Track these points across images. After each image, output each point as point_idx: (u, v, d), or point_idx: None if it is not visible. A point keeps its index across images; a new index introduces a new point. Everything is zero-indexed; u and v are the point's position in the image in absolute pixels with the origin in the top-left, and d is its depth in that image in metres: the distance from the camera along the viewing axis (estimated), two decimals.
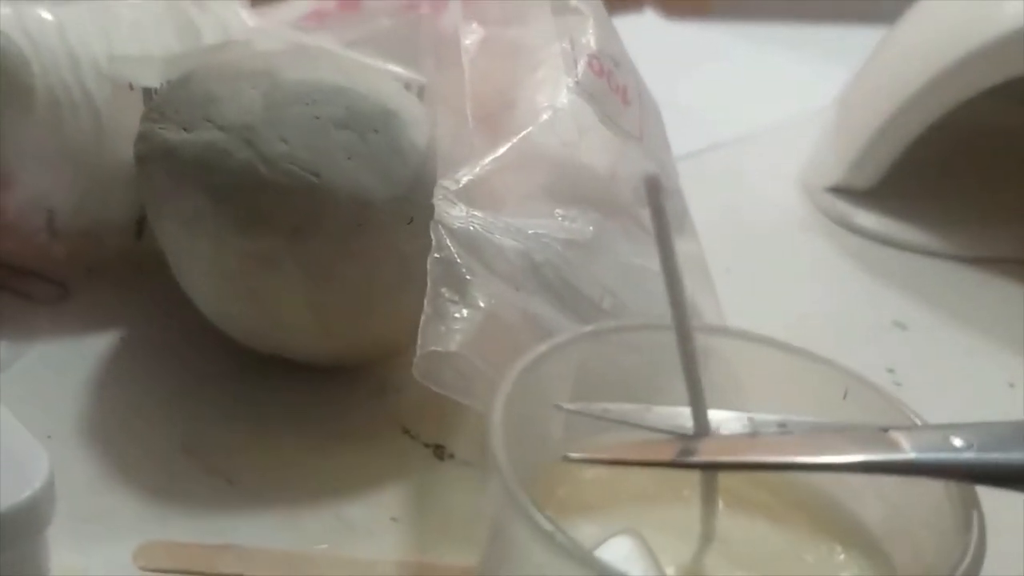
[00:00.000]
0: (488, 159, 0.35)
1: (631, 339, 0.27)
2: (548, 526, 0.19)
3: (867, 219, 0.57)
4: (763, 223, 0.57)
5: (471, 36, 0.40)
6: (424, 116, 0.38)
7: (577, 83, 0.38)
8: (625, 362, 0.26)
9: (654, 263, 0.37)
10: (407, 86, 0.42)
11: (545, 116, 0.37)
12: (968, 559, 0.21)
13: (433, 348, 0.29)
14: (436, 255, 0.30)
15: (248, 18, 0.46)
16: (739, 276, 0.51)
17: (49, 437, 0.35)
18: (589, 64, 0.39)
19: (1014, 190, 0.60)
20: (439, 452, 0.37)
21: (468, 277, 0.30)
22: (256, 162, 0.34)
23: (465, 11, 0.42)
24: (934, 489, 0.23)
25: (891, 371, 0.44)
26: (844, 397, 0.26)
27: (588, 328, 0.27)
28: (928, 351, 0.47)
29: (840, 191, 0.59)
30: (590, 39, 0.40)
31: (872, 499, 0.25)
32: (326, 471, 0.35)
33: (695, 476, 0.25)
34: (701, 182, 0.62)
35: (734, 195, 0.60)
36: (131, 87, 0.41)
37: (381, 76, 0.40)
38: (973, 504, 0.22)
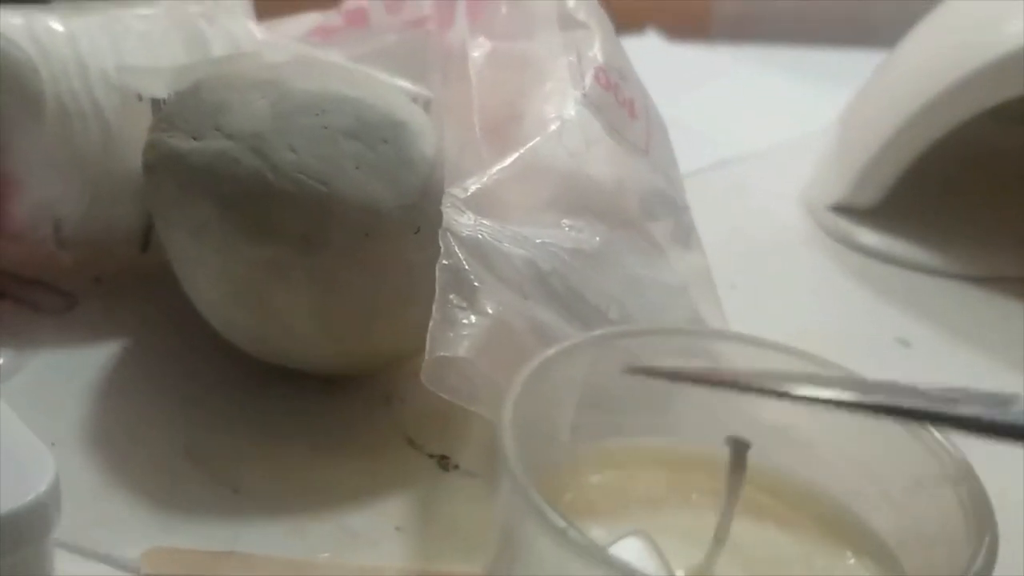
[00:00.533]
0: (495, 169, 0.35)
1: (639, 344, 0.27)
2: (561, 523, 0.19)
3: (869, 237, 0.57)
4: (767, 240, 0.57)
5: (479, 49, 0.41)
6: (432, 127, 0.38)
7: (584, 95, 0.38)
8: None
9: (660, 275, 0.38)
10: (414, 100, 0.42)
11: (553, 127, 0.37)
12: (977, 566, 0.21)
13: (441, 353, 0.29)
14: (444, 262, 0.30)
15: (257, 31, 0.47)
16: (744, 292, 0.52)
17: (53, 444, 0.35)
18: (596, 77, 0.39)
19: (1015, 210, 0.60)
20: (443, 463, 0.37)
21: (476, 284, 0.30)
22: (265, 170, 0.34)
23: (472, 27, 0.43)
24: (946, 498, 0.23)
25: None
26: None
27: (597, 332, 0.27)
28: (931, 368, 0.47)
29: (842, 209, 0.59)
30: (597, 53, 0.40)
31: (884, 508, 0.24)
32: (330, 480, 0.35)
33: (704, 481, 0.25)
34: (705, 200, 0.62)
35: (738, 213, 0.60)
36: (139, 97, 0.41)
37: (389, 88, 0.40)
38: (985, 512, 0.22)
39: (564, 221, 0.35)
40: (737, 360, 0.27)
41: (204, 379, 0.39)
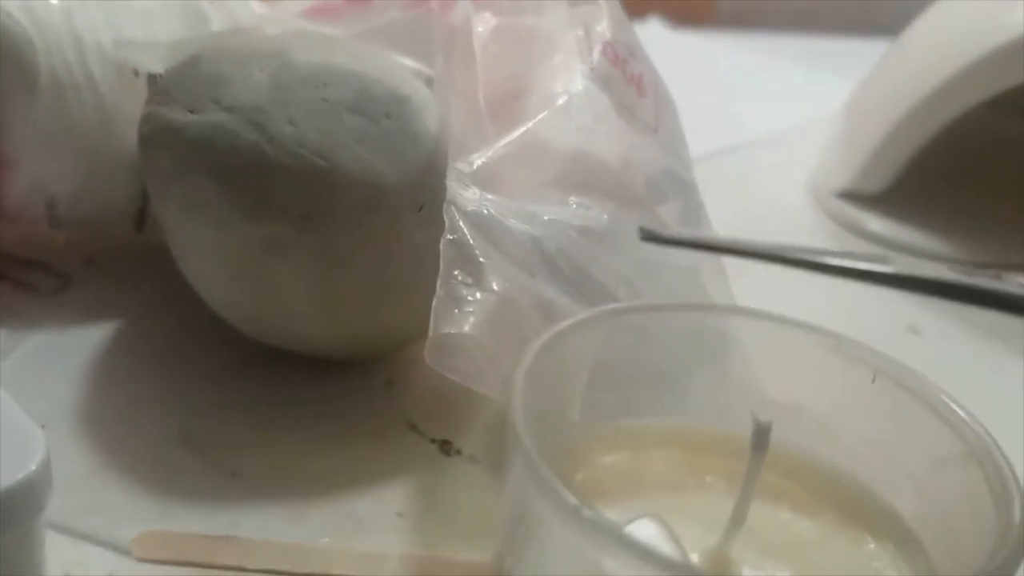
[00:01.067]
0: (501, 144, 0.34)
1: (652, 319, 0.26)
2: (574, 501, 0.19)
3: (876, 224, 0.56)
4: (774, 227, 0.56)
5: (484, 24, 0.40)
6: (435, 103, 0.37)
7: (592, 69, 0.38)
8: (646, 342, 0.25)
9: (670, 255, 0.37)
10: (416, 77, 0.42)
11: (560, 101, 0.36)
12: (1006, 550, 0.20)
13: (446, 330, 0.28)
14: (449, 237, 0.29)
15: (257, 6, 0.46)
16: (752, 280, 0.51)
17: (45, 426, 0.34)
18: (604, 52, 0.39)
19: (1020, 199, 0.59)
20: (446, 448, 0.36)
21: (482, 260, 0.29)
22: (263, 144, 0.33)
23: (476, 3, 0.42)
24: (972, 477, 0.22)
25: None
26: (873, 381, 0.25)
27: (609, 307, 0.26)
28: (944, 356, 0.46)
29: (849, 196, 0.58)
30: (605, 28, 0.40)
31: (906, 489, 0.24)
32: (331, 466, 0.34)
33: (719, 463, 0.24)
34: (711, 186, 0.61)
35: (744, 199, 0.59)
36: (136, 73, 0.40)
37: (392, 62, 0.39)
38: (1014, 492, 0.21)
39: (572, 198, 0.34)
40: (754, 336, 0.26)
41: (200, 362, 0.38)
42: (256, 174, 0.33)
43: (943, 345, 0.47)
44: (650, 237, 0.23)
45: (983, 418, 0.41)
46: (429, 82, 0.43)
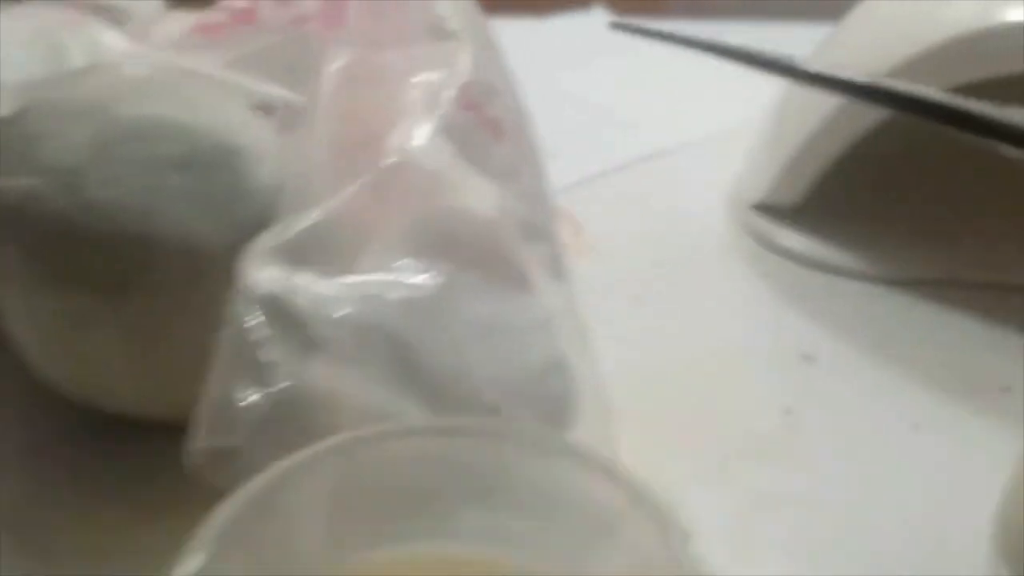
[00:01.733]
0: (334, 200, 0.33)
1: (392, 448, 0.24)
2: None
3: (789, 239, 0.54)
4: (681, 244, 0.54)
5: (337, 61, 0.38)
6: (275, 150, 0.35)
7: (441, 116, 0.36)
8: (395, 474, 0.24)
9: (518, 313, 0.35)
10: (270, 110, 0.40)
11: (403, 154, 0.34)
12: None
13: (212, 443, 0.26)
14: (232, 329, 0.28)
15: (121, 41, 0.44)
16: (647, 304, 0.49)
17: None
18: (458, 96, 0.37)
19: (945, 206, 0.57)
20: None
21: (270, 356, 0.27)
22: (73, 211, 0.32)
23: (352, 28, 0.40)
24: None
25: (788, 412, 0.42)
26: None
27: (342, 437, 0.23)
28: (833, 388, 0.44)
29: (765, 209, 0.56)
30: (464, 68, 0.38)
31: None
32: (151, 540, 0.33)
33: None
34: (626, 196, 0.59)
35: (653, 214, 0.57)
36: None
37: (230, 108, 0.37)
38: None
39: (404, 261, 0.33)
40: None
41: (20, 432, 0.37)
42: (63, 244, 0.32)
43: (835, 375, 0.45)
44: (619, 26, 0.21)
45: (863, 455, 0.39)
46: (294, 116, 0.41)
